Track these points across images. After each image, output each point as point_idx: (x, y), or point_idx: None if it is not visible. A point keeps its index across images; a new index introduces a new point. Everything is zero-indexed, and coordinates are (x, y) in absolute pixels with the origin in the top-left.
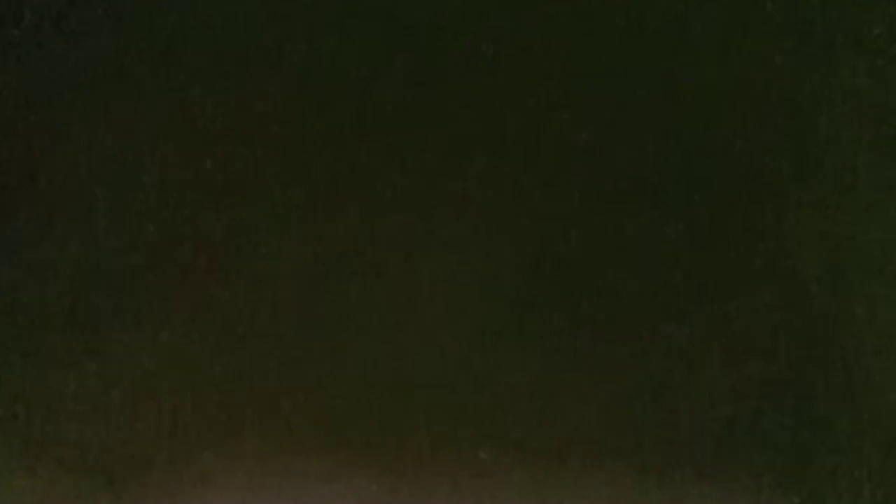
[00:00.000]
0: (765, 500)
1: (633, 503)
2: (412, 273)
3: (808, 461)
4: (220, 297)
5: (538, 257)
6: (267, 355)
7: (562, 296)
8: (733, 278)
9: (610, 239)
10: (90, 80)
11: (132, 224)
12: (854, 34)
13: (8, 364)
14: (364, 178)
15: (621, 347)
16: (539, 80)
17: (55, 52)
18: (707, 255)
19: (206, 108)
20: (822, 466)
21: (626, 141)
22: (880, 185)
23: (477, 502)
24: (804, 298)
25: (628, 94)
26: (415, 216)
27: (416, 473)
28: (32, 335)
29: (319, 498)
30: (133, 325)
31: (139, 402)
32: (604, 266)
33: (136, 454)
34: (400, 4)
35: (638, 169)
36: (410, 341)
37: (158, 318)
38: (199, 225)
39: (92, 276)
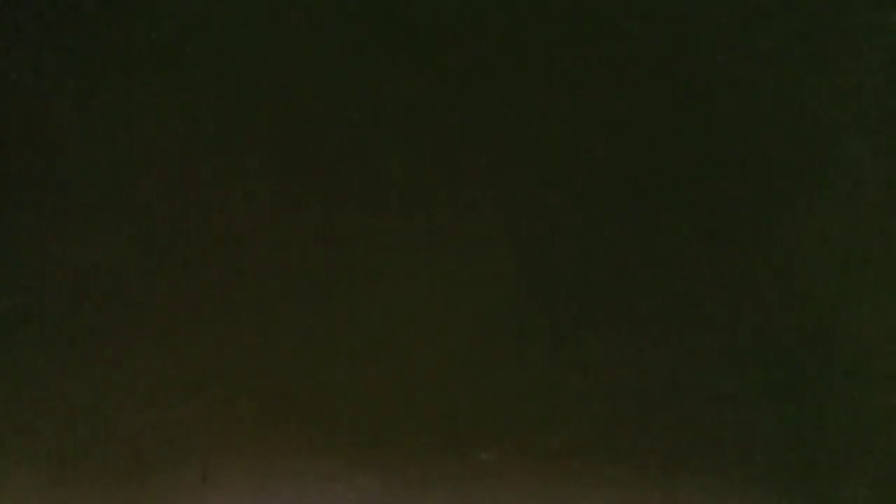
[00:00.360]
0: (765, 501)
1: None
2: (412, 273)
3: (808, 462)
4: (220, 297)
5: (538, 257)
6: (267, 356)
7: (562, 296)
8: (734, 279)
9: (611, 239)
10: (90, 82)
11: (132, 224)
12: (856, 34)
13: (8, 364)
14: (364, 178)
15: (622, 348)
16: (539, 79)
17: (55, 52)
18: (707, 255)
19: (206, 109)
20: (822, 467)
21: (627, 141)
22: (881, 185)
23: (478, 503)
24: (804, 298)
25: (629, 94)
26: (414, 216)
27: (417, 474)
28: (32, 336)
29: (319, 498)
30: (132, 326)
31: (139, 402)
32: (604, 266)
33: (136, 454)
34: (400, 4)
35: (638, 170)
36: (410, 341)
37: (158, 318)
38: (200, 225)
39: (92, 276)
